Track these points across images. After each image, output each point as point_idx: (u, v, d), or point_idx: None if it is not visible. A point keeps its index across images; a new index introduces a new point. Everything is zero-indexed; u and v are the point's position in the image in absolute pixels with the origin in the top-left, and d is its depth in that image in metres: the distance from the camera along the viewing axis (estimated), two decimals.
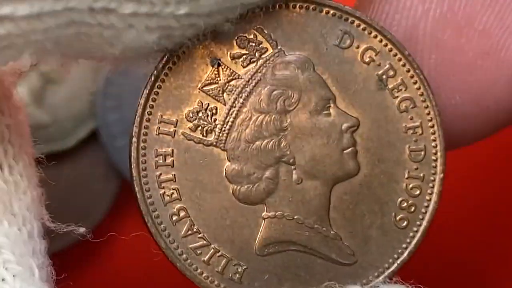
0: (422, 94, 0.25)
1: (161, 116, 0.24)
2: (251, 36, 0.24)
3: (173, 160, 0.24)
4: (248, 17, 0.24)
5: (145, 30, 0.22)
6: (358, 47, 0.25)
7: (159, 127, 0.24)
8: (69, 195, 0.42)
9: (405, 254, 0.25)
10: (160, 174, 0.24)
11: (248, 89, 0.25)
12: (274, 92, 0.25)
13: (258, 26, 0.24)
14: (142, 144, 0.24)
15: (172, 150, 0.24)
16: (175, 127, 0.24)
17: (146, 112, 0.24)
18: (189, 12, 0.22)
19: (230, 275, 0.25)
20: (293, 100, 0.25)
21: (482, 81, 0.26)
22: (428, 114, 0.25)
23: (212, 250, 0.25)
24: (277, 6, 0.24)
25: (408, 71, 0.25)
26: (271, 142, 0.25)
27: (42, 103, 0.41)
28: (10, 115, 0.24)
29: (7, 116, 0.24)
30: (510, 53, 0.26)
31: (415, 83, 0.25)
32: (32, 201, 0.24)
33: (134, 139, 0.24)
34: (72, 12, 0.21)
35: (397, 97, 0.25)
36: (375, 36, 0.25)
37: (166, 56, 0.24)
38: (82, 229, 0.25)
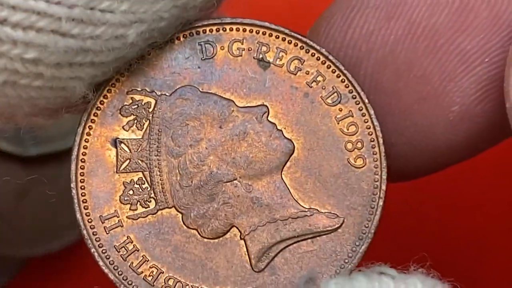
0: (300, 47, 0.25)
1: (101, 216, 0.25)
2: (130, 102, 0.25)
3: (135, 245, 0.25)
4: (113, 87, 0.25)
5: None
6: (223, 48, 0.25)
7: (105, 226, 0.25)
8: (69, 195, 0.42)
9: (382, 186, 0.25)
10: (132, 262, 0.25)
11: (155, 145, 0.25)
12: (177, 133, 0.25)
13: (128, 90, 0.25)
14: (101, 249, 0.25)
15: (128, 237, 0.25)
16: (118, 217, 0.25)
17: (87, 221, 0.25)
18: (36, 57, 0.21)
19: None
20: (197, 128, 0.25)
21: (418, 126, 0.26)
22: (317, 59, 0.25)
23: None
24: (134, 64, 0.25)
25: (282, 39, 0.25)
26: (203, 174, 0.25)
27: None
28: None
29: None
30: (449, 99, 0.26)
31: (290, 43, 0.25)
32: None
33: (93, 250, 0.25)
34: None
35: (282, 64, 0.25)
36: (231, 29, 0.25)
37: (74, 163, 0.25)
38: None
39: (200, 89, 0.25)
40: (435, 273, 0.24)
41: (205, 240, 0.25)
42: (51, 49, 0.21)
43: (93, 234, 0.25)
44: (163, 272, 0.25)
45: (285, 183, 0.25)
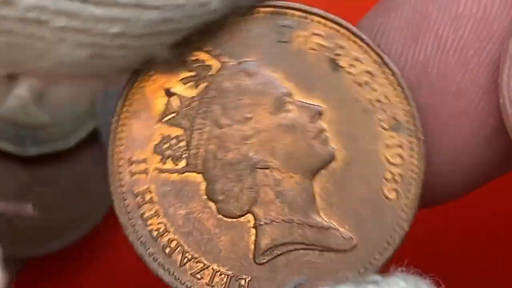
0: (375, 61, 0.25)
1: (130, 158, 0.25)
2: (194, 59, 0.25)
3: (152, 197, 0.25)
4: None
5: (77, 46, 0.22)
6: (300, 36, 0.25)
7: (132, 169, 0.25)
8: (69, 194, 0.42)
9: (404, 226, 0.24)
10: (144, 212, 0.25)
11: (204, 109, 0.25)
12: (229, 105, 0.25)
13: (196, 47, 0.25)
14: (120, 189, 0.25)
15: (149, 187, 0.25)
16: (146, 164, 0.25)
17: (116, 158, 0.25)
18: (120, 31, 0.22)
19: None
20: (250, 106, 0.25)
21: (457, 142, 0.26)
22: (387, 78, 0.25)
23: (212, 270, 0.25)
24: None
25: (360, 47, 0.25)
26: (239, 153, 0.25)
27: (42, 103, 0.42)
28: None
29: None
30: (485, 113, 0.26)
31: (366, 53, 0.25)
32: None
33: (113, 187, 0.25)
34: (4, 20, 0.20)
35: (353, 72, 0.25)
36: (313, 20, 0.25)
37: (122, 100, 0.25)
38: (29, 207, 0.26)
39: (266, 69, 0.25)
40: (414, 270, 0.24)
41: (219, 216, 0.25)
42: (135, 22, 0.22)
43: (118, 172, 0.25)
44: (169, 232, 0.25)
45: (313, 189, 0.25)
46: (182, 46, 0.24)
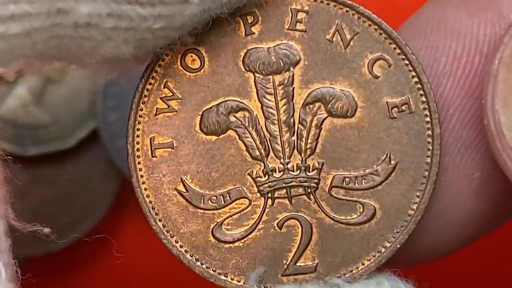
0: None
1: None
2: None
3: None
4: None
5: (122, 43, 0.23)
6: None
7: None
8: (69, 194, 0.42)
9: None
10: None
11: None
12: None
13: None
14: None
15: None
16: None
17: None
18: (163, 26, 0.23)
19: None
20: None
21: (442, 198, 0.26)
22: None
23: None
24: None
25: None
26: None
27: (42, 103, 0.42)
28: None
29: None
30: (469, 168, 0.26)
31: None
32: None
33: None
34: (58, 27, 0.22)
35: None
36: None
37: None
38: (46, 230, 0.26)
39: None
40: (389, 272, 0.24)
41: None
42: (178, 17, 0.23)
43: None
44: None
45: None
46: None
